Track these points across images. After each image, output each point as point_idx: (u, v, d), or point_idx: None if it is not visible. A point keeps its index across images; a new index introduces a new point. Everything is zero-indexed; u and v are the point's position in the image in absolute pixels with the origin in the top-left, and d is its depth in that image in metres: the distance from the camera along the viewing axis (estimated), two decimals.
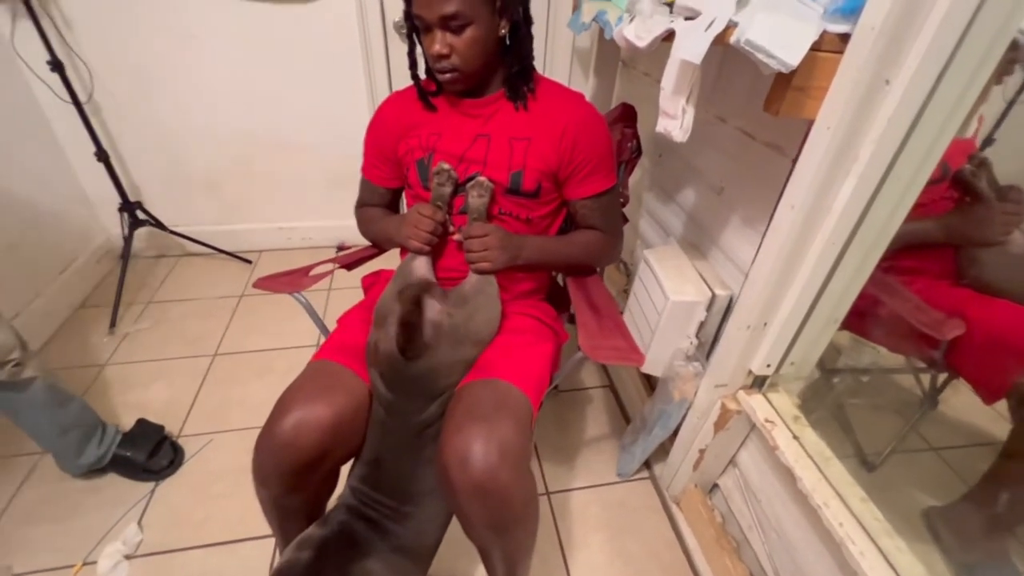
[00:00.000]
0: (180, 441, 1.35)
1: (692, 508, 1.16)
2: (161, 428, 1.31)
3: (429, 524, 0.81)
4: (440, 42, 0.80)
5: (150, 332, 1.72)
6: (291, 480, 0.76)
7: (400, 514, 0.78)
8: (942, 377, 1.27)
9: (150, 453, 1.25)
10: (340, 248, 2.23)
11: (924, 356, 1.15)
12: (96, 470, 1.22)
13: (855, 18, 0.61)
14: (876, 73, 0.62)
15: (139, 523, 1.15)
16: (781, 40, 0.60)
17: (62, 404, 1.14)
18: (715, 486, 1.18)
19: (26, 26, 1.47)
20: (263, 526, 1.13)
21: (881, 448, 1.29)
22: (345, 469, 0.89)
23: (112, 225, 1.99)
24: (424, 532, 0.81)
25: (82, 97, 1.59)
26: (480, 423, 0.71)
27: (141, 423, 1.31)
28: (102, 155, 1.67)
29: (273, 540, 1.13)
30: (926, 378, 1.33)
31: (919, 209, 1.12)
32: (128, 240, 1.79)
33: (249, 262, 2.10)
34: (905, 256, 1.14)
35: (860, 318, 1.13)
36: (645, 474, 1.31)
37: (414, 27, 0.86)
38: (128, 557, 1.08)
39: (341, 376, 0.82)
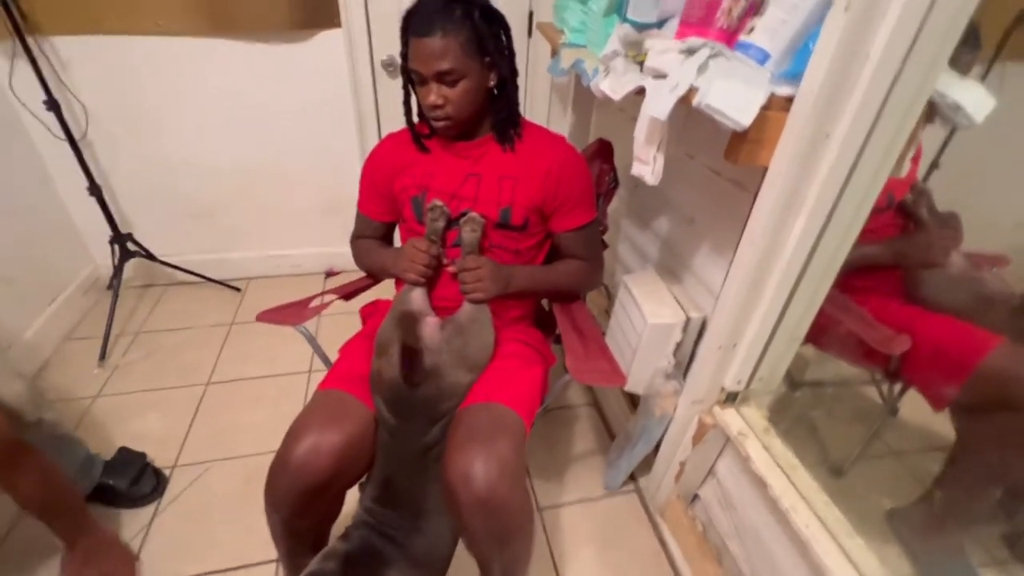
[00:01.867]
0: (176, 471, 1.37)
1: (675, 518, 1.23)
2: (143, 455, 1.32)
3: (440, 539, 0.87)
4: (435, 94, 0.89)
5: (141, 363, 1.73)
6: (302, 503, 0.81)
7: (413, 529, 0.83)
8: (899, 386, 1.38)
9: (132, 480, 1.26)
10: (329, 273, 2.27)
11: (879, 369, 1.26)
12: None
13: (797, 82, 0.71)
14: (817, 128, 0.72)
15: (139, 553, 1.17)
16: (735, 103, 0.69)
17: (61, 443, 1.16)
18: (696, 496, 1.25)
19: (23, 66, 1.51)
20: (263, 552, 1.17)
21: (847, 455, 1.39)
22: (350, 495, 0.94)
23: (100, 256, 2.00)
24: (436, 546, 0.86)
25: (76, 135, 1.63)
26: (480, 443, 0.78)
27: (123, 451, 1.32)
28: (95, 189, 1.70)
29: (274, 566, 1.16)
30: (886, 389, 1.44)
31: (869, 234, 1.24)
32: (119, 271, 1.81)
33: (238, 290, 2.13)
34: (858, 277, 1.25)
35: (821, 335, 1.23)
36: (631, 487, 1.38)
37: (410, 79, 0.94)
38: None
39: (348, 404, 0.87)
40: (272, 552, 1.16)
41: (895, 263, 1.24)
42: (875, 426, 1.43)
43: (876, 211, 1.22)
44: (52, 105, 1.54)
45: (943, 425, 1.28)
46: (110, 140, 1.79)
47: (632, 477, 1.40)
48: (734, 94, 0.69)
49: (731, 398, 1.06)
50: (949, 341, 1.10)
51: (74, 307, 1.89)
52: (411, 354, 0.86)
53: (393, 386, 0.87)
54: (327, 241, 2.19)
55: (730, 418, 1.04)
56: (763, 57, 0.74)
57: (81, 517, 1.01)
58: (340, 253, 2.20)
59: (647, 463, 1.33)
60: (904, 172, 1.14)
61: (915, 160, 1.22)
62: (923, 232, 1.21)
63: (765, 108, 0.72)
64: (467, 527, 0.78)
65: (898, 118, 0.72)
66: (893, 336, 1.11)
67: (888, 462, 1.48)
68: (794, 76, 0.72)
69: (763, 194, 0.80)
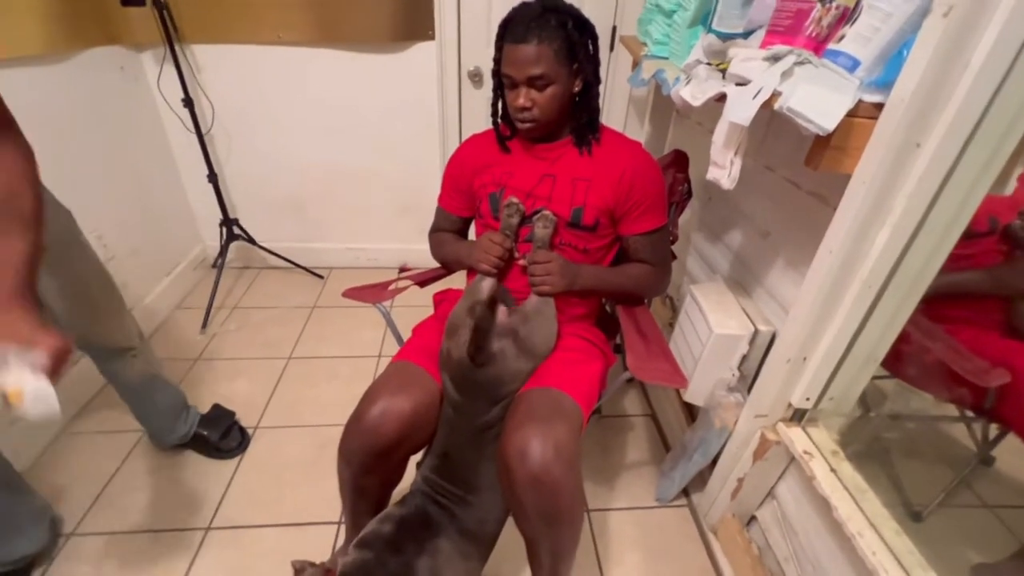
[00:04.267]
0: (257, 432, 1.51)
1: (729, 537, 1.19)
2: (232, 413, 1.48)
3: (489, 514, 0.91)
4: (524, 97, 0.95)
5: (235, 334, 1.93)
6: (371, 461, 0.88)
7: (465, 502, 0.88)
8: (994, 431, 1.26)
9: (223, 434, 1.41)
10: (402, 269, 2.41)
11: (971, 405, 1.16)
12: (178, 445, 1.40)
13: (888, 90, 0.70)
14: (907, 138, 0.70)
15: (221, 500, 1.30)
16: (819, 108, 0.70)
17: (163, 389, 1.32)
18: (752, 519, 1.21)
19: (168, 69, 1.76)
20: (328, 512, 1.27)
21: (929, 500, 1.28)
22: (412, 466, 1.01)
23: (208, 238, 2.26)
24: (485, 520, 0.91)
25: (203, 129, 1.87)
26: (538, 423, 0.82)
27: (216, 408, 1.48)
28: (213, 177, 1.94)
29: (335, 527, 1.25)
30: (979, 432, 1.32)
31: (968, 260, 1.17)
32: (224, 251, 2.03)
33: (321, 277, 2.31)
34: (953, 306, 1.17)
35: (906, 363, 1.16)
36: (683, 501, 1.36)
37: (500, 82, 1.01)
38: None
39: (419, 375, 0.94)
40: (334, 514, 1.26)
41: (996, 293, 1.15)
42: (964, 472, 1.31)
43: (977, 235, 1.16)
44: (188, 103, 1.78)
45: None
46: (227, 135, 2.03)
47: (685, 492, 1.37)
48: (818, 98, 0.70)
49: (798, 416, 1.02)
50: None
51: (185, 280, 2.15)
52: (480, 334, 0.91)
53: (460, 365, 0.93)
54: (403, 238, 2.33)
55: (795, 436, 1.00)
56: (853, 64, 0.74)
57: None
58: (414, 250, 2.34)
59: (702, 479, 1.30)
60: (1009, 190, 1.06)
61: (1019, 181, 1.13)
62: None
63: (852, 114, 0.71)
64: (519, 502, 0.82)
65: (999, 130, 0.69)
66: (989, 368, 1.03)
67: (978, 514, 1.35)
68: (885, 84, 0.71)
69: (845, 202, 0.78)
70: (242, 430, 1.48)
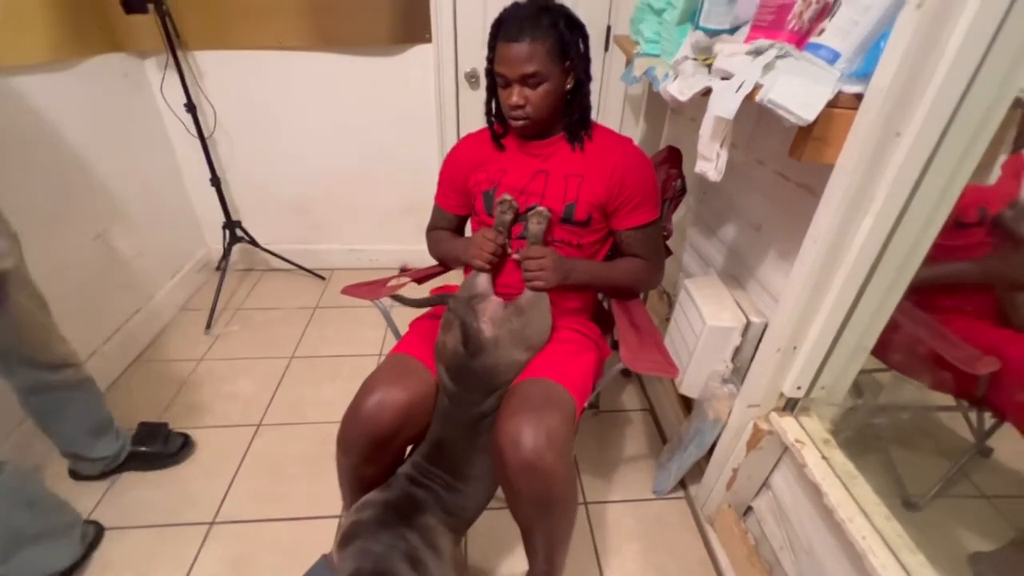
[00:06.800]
0: (260, 429, 1.53)
1: (725, 527, 1.20)
2: (165, 424, 1.44)
3: (473, 502, 0.94)
4: (518, 95, 0.97)
5: (238, 334, 1.96)
6: (369, 451, 0.90)
7: (452, 488, 0.91)
8: (990, 420, 1.27)
9: (163, 442, 1.40)
10: (403, 270, 2.42)
11: (963, 393, 1.17)
12: (112, 469, 1.34)
13: (868, 81, 0.72)
14: (886, 127, 0.72)
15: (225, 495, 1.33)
16: (800, 99, 0.71)
17: (95, 397, 1.27)
18: (749, 509, 1.22)
19: (171, 75, 1.80)
20: (332, 506, 1.29)
21: (927, 490, 1.29)
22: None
23: (211, 240, 2.29)
24: (467, 508, 0.93)
25: (206, 133, 1.90)
26: (531, 412, 0.83)
27: (143, 424, 1.43)
28: (215, 181, 1.97)
29: (338, 521, 1.27)
30: (976, 422, 1.32)
31: (958, 251, 1.18)
32: (227, 253, 2.06)
33: (323, 278, 2.34)
34: (944, 296, 1.19)
35: (897, 351, 1.18)
36: (680, 494, 1.37)
37: (494, 82, 1.03)
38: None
39: (415, 367, 0.96)
40: (338, 508, 1.28)
41: (986, 282, 1.16)
42: (961, 461, 1.32)
43: (966, 225, 1.17)
44: (190, 107, 1.81)
45: None
46: (230, 139, 2.06)
47: (682, 484, 1.38)
48: (799, 89, 0.72)
49: (790, 405, 1.04)
50: None
51: (190, 282, 2.18)
52: (468, 328, 0.94)
53: (455, 355, 0.95)
54: (403, 239, 2.36)
55: (788, 425, 1.01)
56: (833, 57, 0.75)
57: None
58: (414, 251, 2.36)
59: (699, 471, 1.31)
60: (993, 179, 1.08)
61: (1016, 175, 1.15)
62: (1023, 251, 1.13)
63: (832, 105, 0.73)
64: (513, 490, 0.84)
65: (977, 118, 0.70)
66: (979, 356, 1.04)
67: (975, 504, 1.35)
68: (864, 75, 0.73)
69: (828, 191, 0.80)
70: (181, 434, 1.45)
